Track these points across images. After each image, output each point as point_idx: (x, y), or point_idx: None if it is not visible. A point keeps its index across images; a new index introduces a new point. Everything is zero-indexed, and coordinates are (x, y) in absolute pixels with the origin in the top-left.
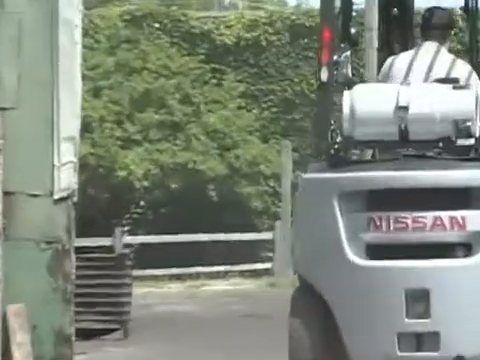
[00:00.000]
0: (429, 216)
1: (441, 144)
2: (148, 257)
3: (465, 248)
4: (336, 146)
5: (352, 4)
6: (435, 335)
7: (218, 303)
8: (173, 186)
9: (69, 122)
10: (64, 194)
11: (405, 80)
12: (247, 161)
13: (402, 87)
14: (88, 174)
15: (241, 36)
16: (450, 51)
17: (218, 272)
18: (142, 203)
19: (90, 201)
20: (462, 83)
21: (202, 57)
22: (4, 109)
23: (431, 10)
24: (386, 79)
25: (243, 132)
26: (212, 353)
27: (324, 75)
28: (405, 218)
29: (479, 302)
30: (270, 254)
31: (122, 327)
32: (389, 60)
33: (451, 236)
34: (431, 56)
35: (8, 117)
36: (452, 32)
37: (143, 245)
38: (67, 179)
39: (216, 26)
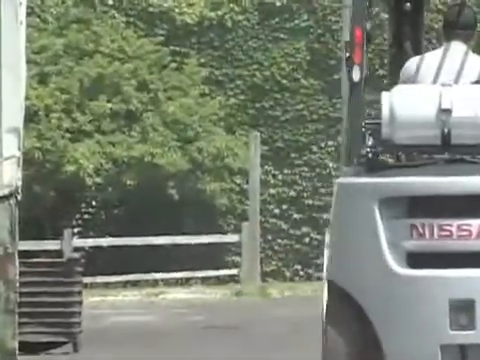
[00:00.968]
0: (475, 224)
1: None
2: (100, 262)
3: None
4: (374, 150)
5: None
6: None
7: (178, 313)
8: (128, 183)
9: (12, 112)
10: (6, 192)
11: (435, 82)
12: (211, 154)
13: (444, 89)
14: (33, 169)
15: (204, 15)
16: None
17: (178, 279)
18: (94, 202)
19: (36, 200)
20: None
21: (161, 39)
22: None
23: (456, 9)
24: (412, 80)
25: (206, 122)
26: None
27: (356, 75)
28: (449, 225)
29: None
30: (236, 259)
31: (71, 340)
32: (415, 61)
33: None
34: (460, 57)
35: None
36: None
37: (95, 249)
38: (9, 175)
39: (177, 4)
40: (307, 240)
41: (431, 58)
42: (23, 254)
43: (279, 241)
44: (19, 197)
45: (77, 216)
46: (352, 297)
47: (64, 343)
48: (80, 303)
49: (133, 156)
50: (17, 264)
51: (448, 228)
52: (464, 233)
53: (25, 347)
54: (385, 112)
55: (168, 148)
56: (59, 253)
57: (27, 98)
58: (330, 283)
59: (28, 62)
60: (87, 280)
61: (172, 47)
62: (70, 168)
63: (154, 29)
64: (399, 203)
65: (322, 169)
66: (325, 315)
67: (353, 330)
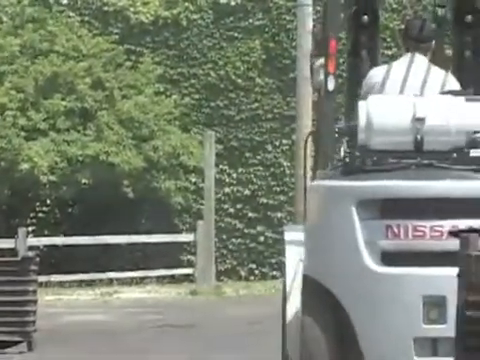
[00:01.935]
0: (446, 225)
1: (455, 155)
2: (55, 261)
3: None
4: (350, 155)
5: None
6: (451, 340)
7: (132, 312)
8: (83, 181)
9: None
10: None
11: (401, 93)
12: (166, 153)
13: (418, 99)
14: None
15: (159, 14)
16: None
17: (133, 278)
18: (48, 201)
19: None
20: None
21: (116, 37)
22: None
23: (416, 23)
24: (377, 91)
25: (161, 121)
26: None
27: (331, 84)
28: (423, 226)
29: None
30: (191, 258)
31: (26, 339)
32: (380, 72)
33: None
34: (424, 71)
35: None
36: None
37: (49, 248)
38: None
39: (131, 3)
40: (262, 239)
41: (396, 70)
42: None
43: (234, 240)
44: None
45: (32, 215)
46: (330, 293)
47: (19, 342)
48: (35, 302)
49: (88, 154)
50: None
51: (422, 229)
52: (436, 234)
53: None
54: (362, 119)
55: (123, 146)
56: (13, 252)
57: None
58: (308, 278)
59: None
60: (42, 279)
61: (127, 46)
62: (24, 166)
63: (109, 28)
64: (375, 205)
65: (276, 168)
66: (301, 311)
67: (330, 322)
